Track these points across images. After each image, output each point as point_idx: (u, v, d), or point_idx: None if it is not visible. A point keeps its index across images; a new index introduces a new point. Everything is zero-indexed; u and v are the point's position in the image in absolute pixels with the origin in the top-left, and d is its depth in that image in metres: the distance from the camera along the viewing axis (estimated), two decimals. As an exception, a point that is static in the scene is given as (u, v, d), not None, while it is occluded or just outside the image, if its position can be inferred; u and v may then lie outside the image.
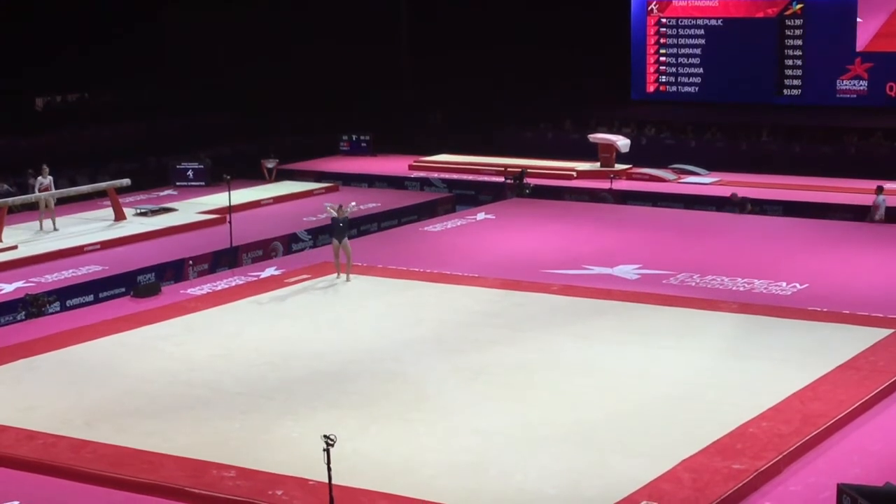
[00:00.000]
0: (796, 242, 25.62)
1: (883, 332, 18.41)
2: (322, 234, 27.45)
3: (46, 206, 27.14)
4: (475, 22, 39.16)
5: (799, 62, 36.55)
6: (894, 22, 34.90)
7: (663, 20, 38.31)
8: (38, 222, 27.10)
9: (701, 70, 38.01)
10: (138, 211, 28.90)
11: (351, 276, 22.49)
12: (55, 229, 26.89)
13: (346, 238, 22.37)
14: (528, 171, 32.33)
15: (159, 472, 13.82)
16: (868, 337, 18.19)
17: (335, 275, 22.65)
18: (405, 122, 39.63)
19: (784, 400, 15.64)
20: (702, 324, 19.35)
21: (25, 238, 26.11)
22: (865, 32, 35.30)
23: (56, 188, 27.90)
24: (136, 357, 18.28)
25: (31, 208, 28.19)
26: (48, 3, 36.86)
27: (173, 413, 15.82)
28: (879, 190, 27.60)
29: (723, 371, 17.10)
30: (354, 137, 38.31)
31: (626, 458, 13.95)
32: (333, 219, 22.50)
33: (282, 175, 34.24)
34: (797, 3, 36.34)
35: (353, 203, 24.09)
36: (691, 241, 25.88)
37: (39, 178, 27.41)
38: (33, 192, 27.63)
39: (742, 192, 30.26)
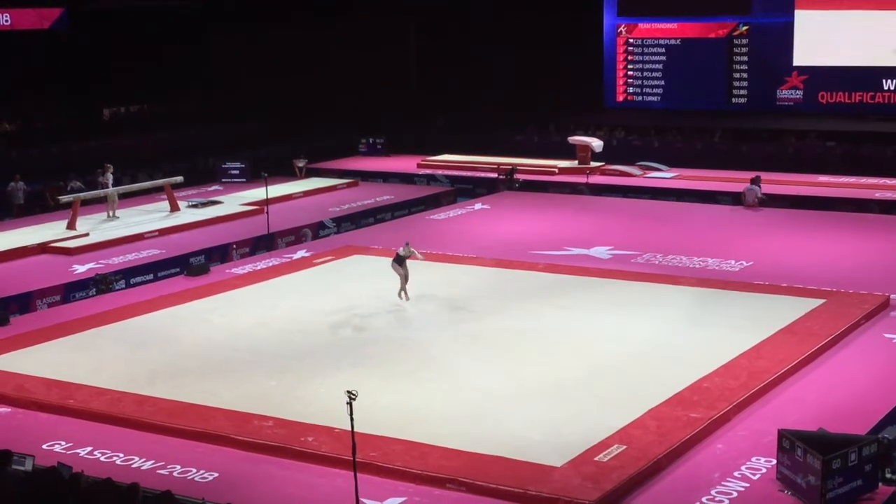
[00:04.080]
0: (743, 227, 25.61)
1: (816, 302, 18.43)
2: (344, 221, 27.47)
3: (111, 200, 27.30)
4: (473, 40, 39.03)
5: (745, 75, 36.42)
6: (825, 41, 34.84)
7: (631, 40, 38.19)
8: (104, 213, 27.25)
9: (662, 82, 37.88)
10: (190, 203, 28.85)
11: (407, 295, 19.47)
12: (116, 217, 27.01)
13: (406, 266, 19.52)
14: (518, 168, 32.29)
15: (209, 423, 13.87)
16: (803, 306, 18.21)
17: (400, 296, 19.41)
18: (414, 128, 39.53)
19: (733, 359, 15.68)
20: (664, 295, 19.36)
21: (95, 226, 26.09)
22: (801, 49, 35.23)
23: (119, 185, 28.00)
24: (189, 326, 18.32)
25: (100, 201, 28.25)
26: (112, 32, 36.82)
27: (220, 373, 15.86)
28: (753, 181, 27.98)
29: (682, 335, 17.13)
30: (371, 140, 38.17)
31: (601, 409, 13.98)
32: (399, 256, 19.53)
33: (310, 172, 34.13)
34: (743, 25, 36.20)
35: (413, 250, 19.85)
36: (655, 226, 25.85)
37: (108, 174, 27.66)
38: (102, 188, 27.72)
39: (696, 185, 30.27)
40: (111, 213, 27.16)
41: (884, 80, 34.10)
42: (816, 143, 33.60)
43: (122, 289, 21.61)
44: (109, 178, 27.88)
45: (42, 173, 31.25)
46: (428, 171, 34.37)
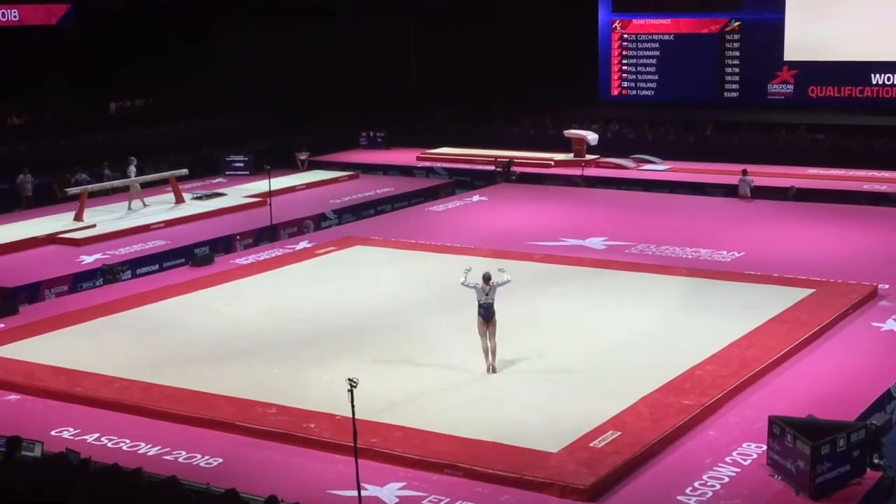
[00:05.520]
0: (735, 218, 25.58)
1: (805, 292, 18.41)
2: (345, 213, 27.43)
3: (134, 190, 27.39)
4: (472, 37, 39.00)
5: (737, 69, 36.43)
6: (815, 36, 34.82)
7: (625, 36, 38.16)
8: (112, 204, 27.32)
9: (656, 77, 37.89)
10: (195, 195, 28.81)
11: (495, 364, 14.79)
12: (134, 208, 27.00)
13: (495, 316, 14.71)
14: (515, 160, 32.25)
15: (214, 409, 13.87)
16: (793, 295, 18.20)
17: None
18: (414, 121, 39.50)
19: (724, 347, 15.67)
20: (657, 285, 19.34)
21: (102, 218, 26.04)
22: (791, 45, 35.20)
23: (126, 178, 28.04)
24: (194, 315, 18.30)
25: (105, 194, 28.26)
26: (118, 27, 36.76)
27: (225, 361, 15.85)
28: (744, 173, 27.89)
29: (674, 324, 17.12)
30: (372, 133, 38.11)
31: (596, 396, 13.98)
32: (478, 290, 14.73)
33: (312, 165, 34.10)
34: (735, 21, 36.19)
35: (505, 275, 15.05)
36: (649, 217, 25.82)
37: (132, 167, 27.88)
38: (118, 180, 27.85)
39: (689, 177, 30.28)
40: (138, 204, 27.08)
41: (872, 75, 34.12)
42: (806, 136, 33.60)
43: (128, 279, 21.59)
44: (133, 170, 27.99)
45: (50, 166, 31.22)
46: (427, 164, 34.33)
